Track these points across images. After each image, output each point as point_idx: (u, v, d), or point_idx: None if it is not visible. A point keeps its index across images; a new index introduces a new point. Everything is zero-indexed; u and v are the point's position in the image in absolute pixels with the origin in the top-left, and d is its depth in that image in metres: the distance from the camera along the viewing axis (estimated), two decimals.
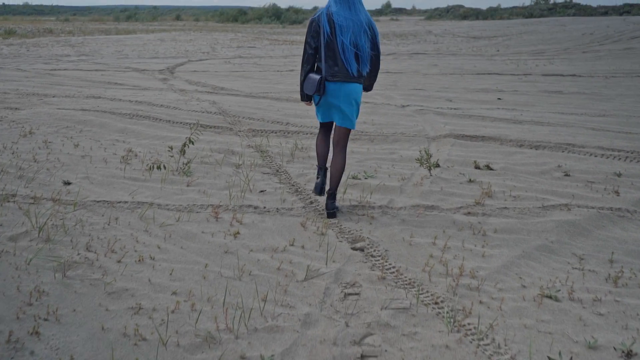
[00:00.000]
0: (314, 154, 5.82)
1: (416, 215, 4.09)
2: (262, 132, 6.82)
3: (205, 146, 6.00)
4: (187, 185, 4.75)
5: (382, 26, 43.45)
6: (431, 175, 5.06)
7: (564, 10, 61.91)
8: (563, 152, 5.95)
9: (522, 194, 4.60)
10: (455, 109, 8.40)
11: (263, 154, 5.81)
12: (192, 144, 5.22)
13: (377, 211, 4.20)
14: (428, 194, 4.58)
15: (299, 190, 4.70)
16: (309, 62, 3.91)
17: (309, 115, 7.62)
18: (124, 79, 11.38)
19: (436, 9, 79.61)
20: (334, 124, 4.07)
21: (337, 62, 3.79)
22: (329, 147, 4.18)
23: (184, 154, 5.28)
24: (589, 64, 15.97)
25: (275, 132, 6.80)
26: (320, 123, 4.17)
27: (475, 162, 5.41)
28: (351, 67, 3.79)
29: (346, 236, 3.76)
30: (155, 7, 79.23)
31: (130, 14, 58.92)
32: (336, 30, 3.75)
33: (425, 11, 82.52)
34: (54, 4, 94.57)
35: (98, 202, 4.24)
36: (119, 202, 4.27)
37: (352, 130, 4.06)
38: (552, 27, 33.55)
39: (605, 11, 62.15)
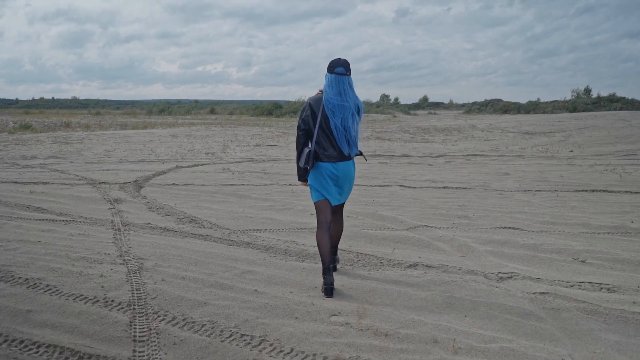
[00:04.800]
0: None
1: None
2: None
3: None
4: None
5: (422, 120, 40.51)
6: None
7: (609, 104, 58.23)
8: None
9: None
10: (608, 289, 4.22)
11: None
12: None
13: None
14: None
15: None
16: (301, 142, 4.14)
17: (306, 307, 3.61)
18: (57, 199, 7.76)
19: (474, 103, 77.15)
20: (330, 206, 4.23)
21: (332, 143, 4.05)
22: (330, 241, 4.16)
23: None
24: None
25: None
26: (318, 210, 4.18)
27: None
28: (343, 148, 4.04)
29: None
30: (196, 101, 79.09)
31: (163, 108, 58.15)
32: (328, 114, 4.00)
33: (463, 105, 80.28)
34: (100, 98, 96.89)
35: None
36: None
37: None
38: (614, 122, 29.71)
39: None
